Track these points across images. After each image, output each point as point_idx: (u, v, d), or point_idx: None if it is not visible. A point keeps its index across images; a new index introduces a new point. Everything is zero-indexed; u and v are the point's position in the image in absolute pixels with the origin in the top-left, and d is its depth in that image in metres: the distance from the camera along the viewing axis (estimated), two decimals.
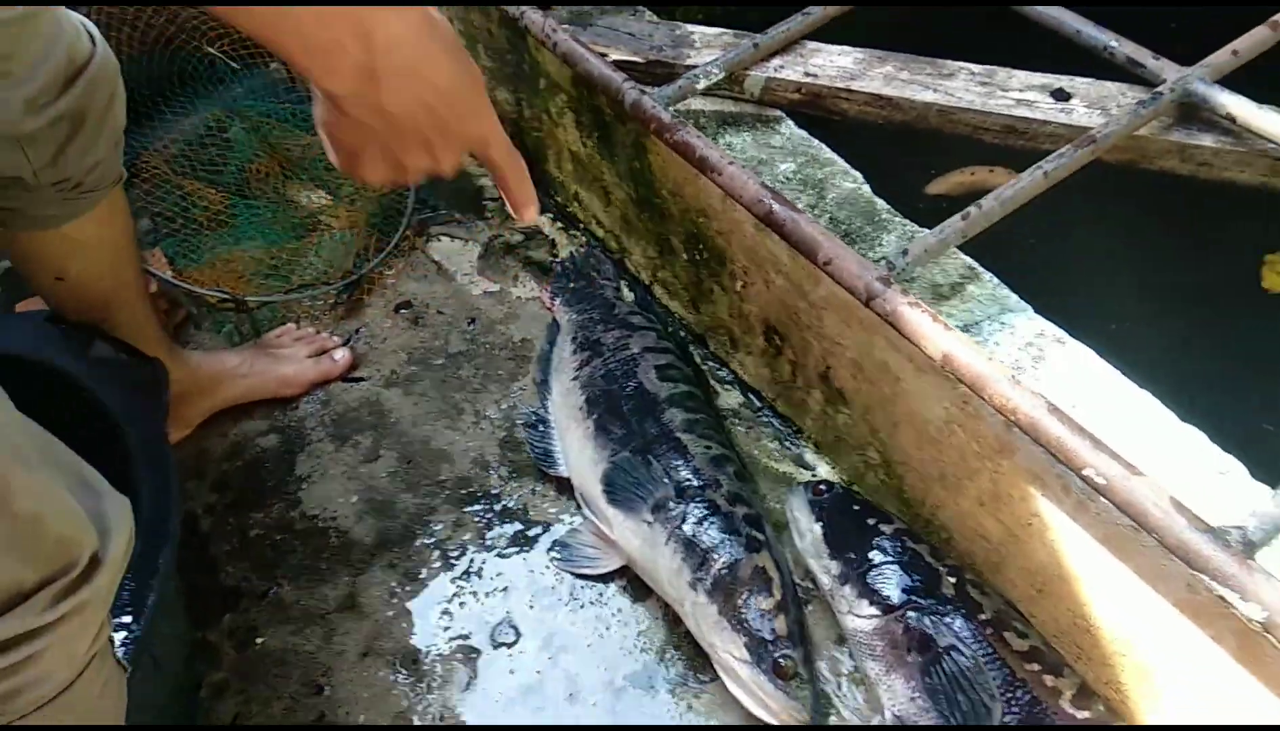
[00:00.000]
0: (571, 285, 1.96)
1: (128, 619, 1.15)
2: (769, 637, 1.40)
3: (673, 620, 1.56)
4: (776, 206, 1.31)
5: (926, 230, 1.30)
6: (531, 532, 1.69)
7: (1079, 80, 1.53)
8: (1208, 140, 1.45)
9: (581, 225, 2.08)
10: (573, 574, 1.63)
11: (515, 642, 1.57)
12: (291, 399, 1.86)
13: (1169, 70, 1.44)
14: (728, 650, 1.42)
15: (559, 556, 1.64)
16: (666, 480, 1.54)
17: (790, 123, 1.59)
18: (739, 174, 1.35)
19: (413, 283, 2.06)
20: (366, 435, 1.83)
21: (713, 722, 1.47)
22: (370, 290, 2.03)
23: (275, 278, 1.99)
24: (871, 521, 1.49)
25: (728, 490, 1.52)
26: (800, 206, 1.42)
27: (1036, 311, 1.35)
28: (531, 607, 1.61)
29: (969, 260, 1.40)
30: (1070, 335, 1.31)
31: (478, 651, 1.57)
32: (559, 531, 1.68)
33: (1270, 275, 2.17)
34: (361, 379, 1.89)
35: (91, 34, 1.27)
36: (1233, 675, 1.12)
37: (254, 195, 2.10)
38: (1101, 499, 1.13)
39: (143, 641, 1.14)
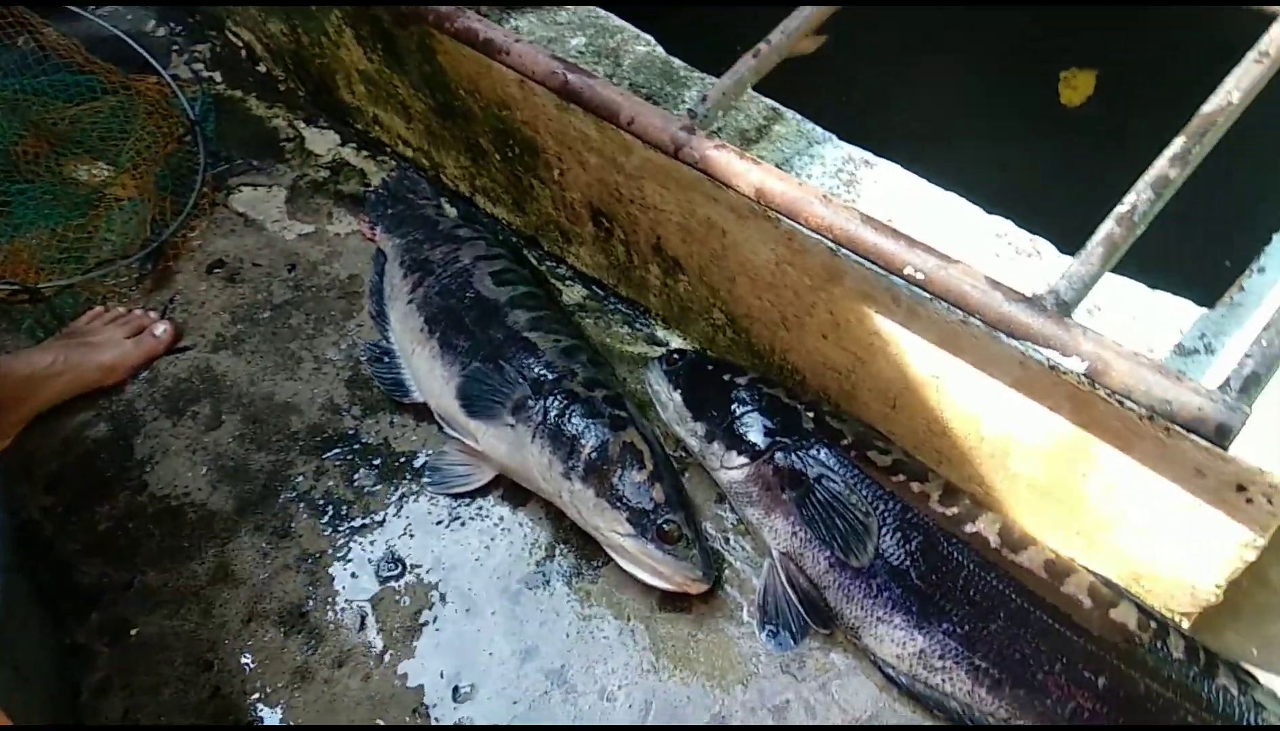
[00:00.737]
0: (390, 211, 1.88)
1: None
2: (649, 507, 1.42)
3: (556, 516, 1.56)
4: (571, 76, 1.28)
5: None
6: (397, 464, 1.65)
7: None
8: None
9: (388, 148, 2.00)
10: (449, 495, 1.60)
11: (401, 573, 1.54)
12: (117, 385, 1.74)
13: None
14: (612, 528, 1.43)
15: (431, 480, 1.61)
16: (521, 380, 1.51)
17: None
18: (527, 50, 1.31)
19: (221, 239, 1.94)
20: (203, 404, 1.73)
21: (609, 609, 1.49)
22: (176, 256, 1.90)
23: (69, 260, 1.84)
24: (726, 376, 1.51)
25: (584, 377, 1.52)
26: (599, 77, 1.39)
27: (843, 139, 1.37)
28: (412, 536, 1.57)
29: (771, 102, 1.40)
30: (878, 156, 1.34)
31: (365, 590, 1.53)
32: (426, 457, 1.65)
33: (1066, 91, 2.28)
34: (186, 348, 1.79)
35: None
36: (1075, 439, 1.19)
37: (26, 178, 1.92)
38: (930, 303, 1.18)
39: None
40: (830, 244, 1.16)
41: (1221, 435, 0.91)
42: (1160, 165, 1.07)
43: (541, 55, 1.30)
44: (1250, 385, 0.94)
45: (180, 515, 1.61)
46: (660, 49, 1.48)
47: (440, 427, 1.63)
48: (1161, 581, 1.27)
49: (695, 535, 1.44)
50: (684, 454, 1.59)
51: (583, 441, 1.45)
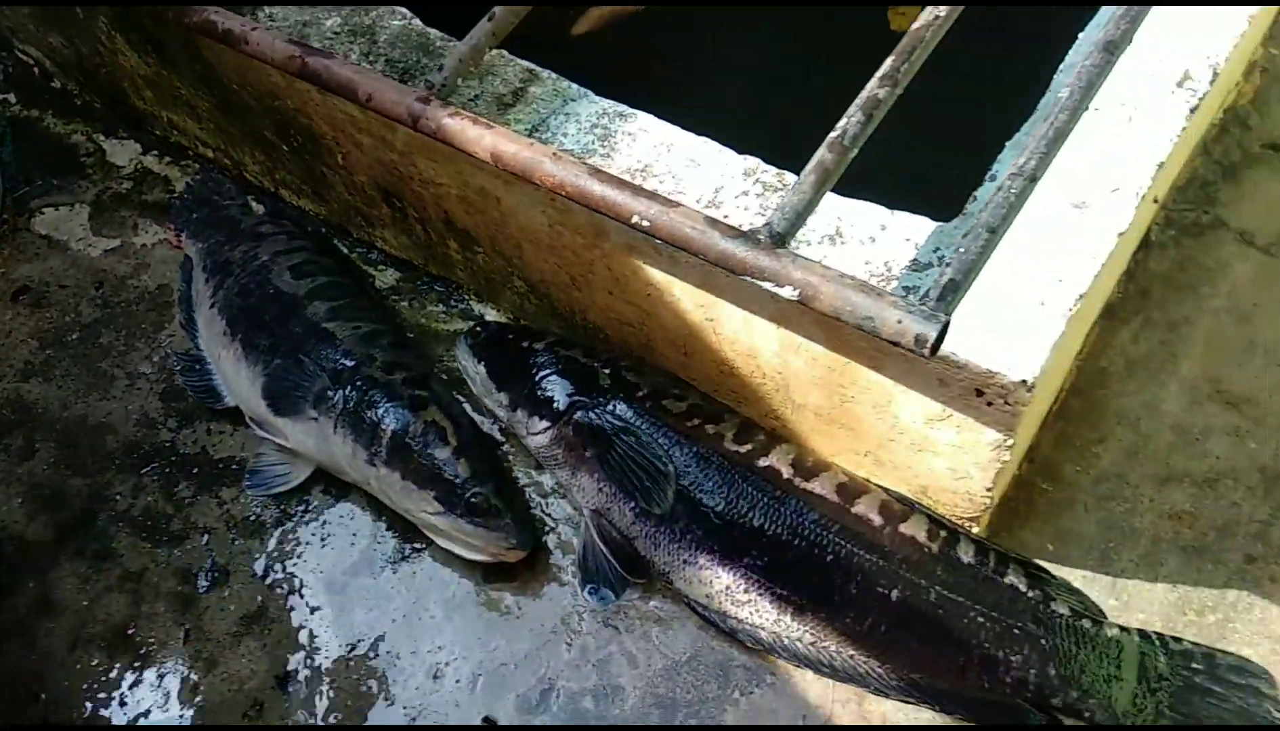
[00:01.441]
0: (194, 215, 1.84)
1: None
2: (456, 482, 1.42)
3: (377, 504, 1.55)
4: (309, 59, 1.26)
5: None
6: (217, 471, 1.63)
7: None
8: None
9: (190, 152, 1.96)
10: (270, 496, 1.58)
11: (225, 580, 1.53)
12: None
13: None
14: (421, 508, 1.43)
15: (251, 483, 1.59)
16: (320, 372, 1.50)
17: None
18: (264, 37, 1.29)
19: (25, 265, 1.89)
20: (15, 435, 1.69)
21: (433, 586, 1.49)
22: None
23: None
24: (525, 344, 1.51)
25: (383, 361, 1.51)
26: (354, 56, 1.38)
27: (599, 95, 1.37)
28: (235, 542, 1.56)
29: (527, 64, 1.40)
30: (633, 109, 1.34)
31: (191, 601, 1.51)
32: (245, 460, 1.63)
33: (895, 18, 2.31)
34: None
35: None
36: (835, 364, 1.22)
37: None
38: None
39: None
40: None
41: (920, 344, 0.94)
42: (870, 87, 1.09)
43: (279, 41, 1.28)
44: (948, 292, 0.96)
45: None
46: (417, 21, 1.46)
47: (254, 429, 1.61)
48: (943, 491, 1.31)
49: (507, 504, 1.44)
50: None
51: (383, 425, 1.44)
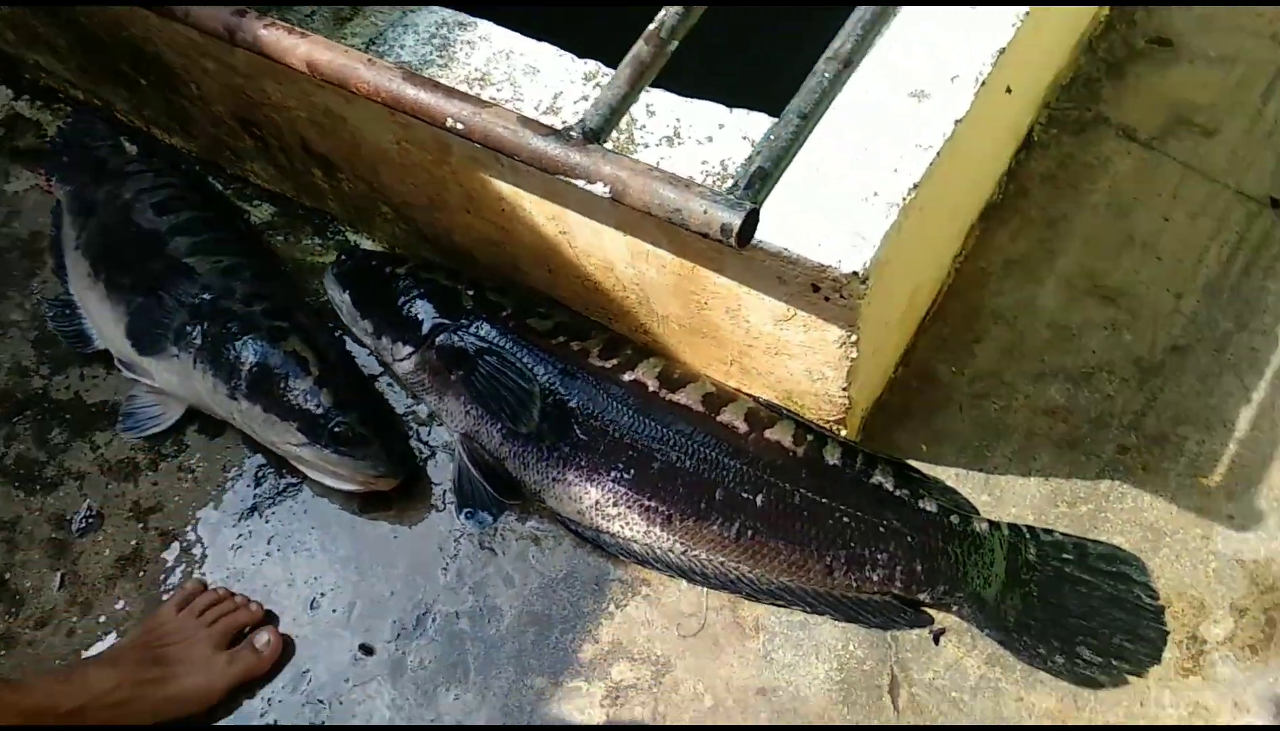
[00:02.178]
0: (65, 159, 1.79)
1: None
2: (318, 412, 1.39)
3: (251, 439, 1.52)
4: None
5: None
6: (90, 416, 1.59)
7: None
8: None
9: (61, 95, 1.89)
10: (145, 437, 1.55)
11: (100, 524, 1.50)
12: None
13: None
14: (286, 441, 1.41)
15: (125, 426, 1.56)
16: (180, 308, 1.46)
17: None
18: None
19: None
20: None
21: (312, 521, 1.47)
22: None
23: None
24: (386, 270, 1.48)
25: (243, 293, 1.47)
26: None
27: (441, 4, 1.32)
28: (109, 486, 1.53)
29: None
30: (472, 16, 1.30)
31: (64, 547, 1.49)
32: (119, 404, 1.59)
33: None
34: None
35: None
36: (683, 269, 1.19)
37: None
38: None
39: None
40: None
41: (726, 233, 0.90)
42: None
43: None
44: (756, 180, 0.93)
45: None
46: None
47: (124, 371, 1.58)
48: (805, 394, 1.29)
49: (376, 432, 1.42)
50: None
51: (242, 358, 1.41)
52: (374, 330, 1.46)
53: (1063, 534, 1.29)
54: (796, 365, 1.23)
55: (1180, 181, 1.49)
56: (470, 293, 1.43)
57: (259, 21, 1.14)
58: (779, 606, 1.31)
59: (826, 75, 0.97)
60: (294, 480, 1.50)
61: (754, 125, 1.15)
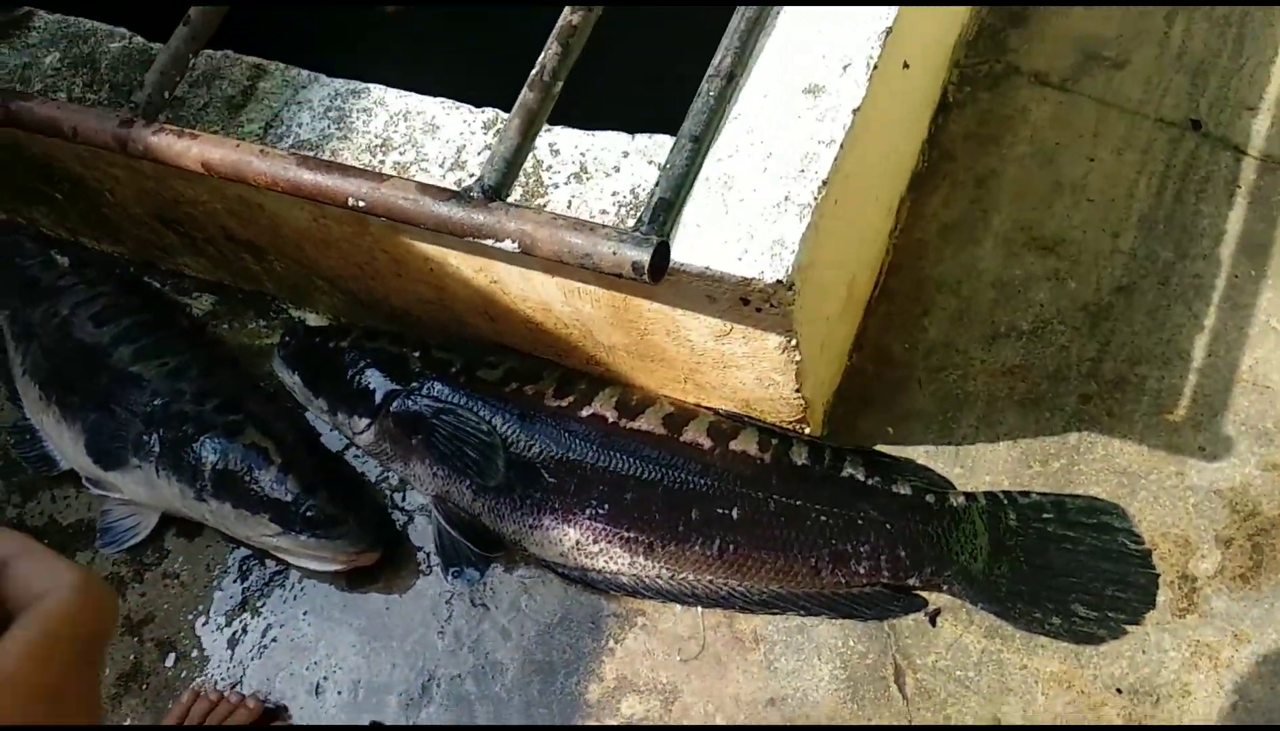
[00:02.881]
0: None
1: None
2: (288, 500, 1.39)
3: (229, 536, 1.52)
4: (10, 104, 1.19)
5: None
6: (69, 538, 1.59)
7: None
8: None
9: None
10: (125, 550, 1.55)
11: None
12: None
13: None
14: (261, 534, 1.40)
15: (104, 542, 1.55)
16: (134, 417, 1.46)
17: (42, 13, 1.44)
18: None
19: None
20: None
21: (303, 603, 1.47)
22: None
23: None
24: (331, 345, 1.47)
25: (192, 392, 1.47)
26: (77, 89, 1.31)
27: (333, 75, 1.31)
28: None
29: (253, 60, 1.33)
30: (365, 83, 1.29)
31: None
32: (94, 520, 1.59)
33: None
34: None
35: None
36: (615, 300, 1.19)
37: None
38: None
39: None
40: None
41: (639, 272, 0.90)
42: (564, 16, 1.04)
43: None
44: (660, 212, 0.93)
45: None
46: (139, 38, 1.39)
47: (92, 488, 1.57)
48: (762, 400, 1.29)
49: (348, 508, 1.41)
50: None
51: (203, 459, 1.41)
52: (329, 408, 1.46)
53: (1040, 494, 1.29)
54: (746, 375, 1.23)
55: (1099, 119, 1.48)
56: (416, 354, 1.42)
57: (147, 129, 1.13)
58: (774, 614, 1.31)
59: (712, 93, 0.96)
60: (279, 567, 1.49)
61: (658, 148, 1.14)
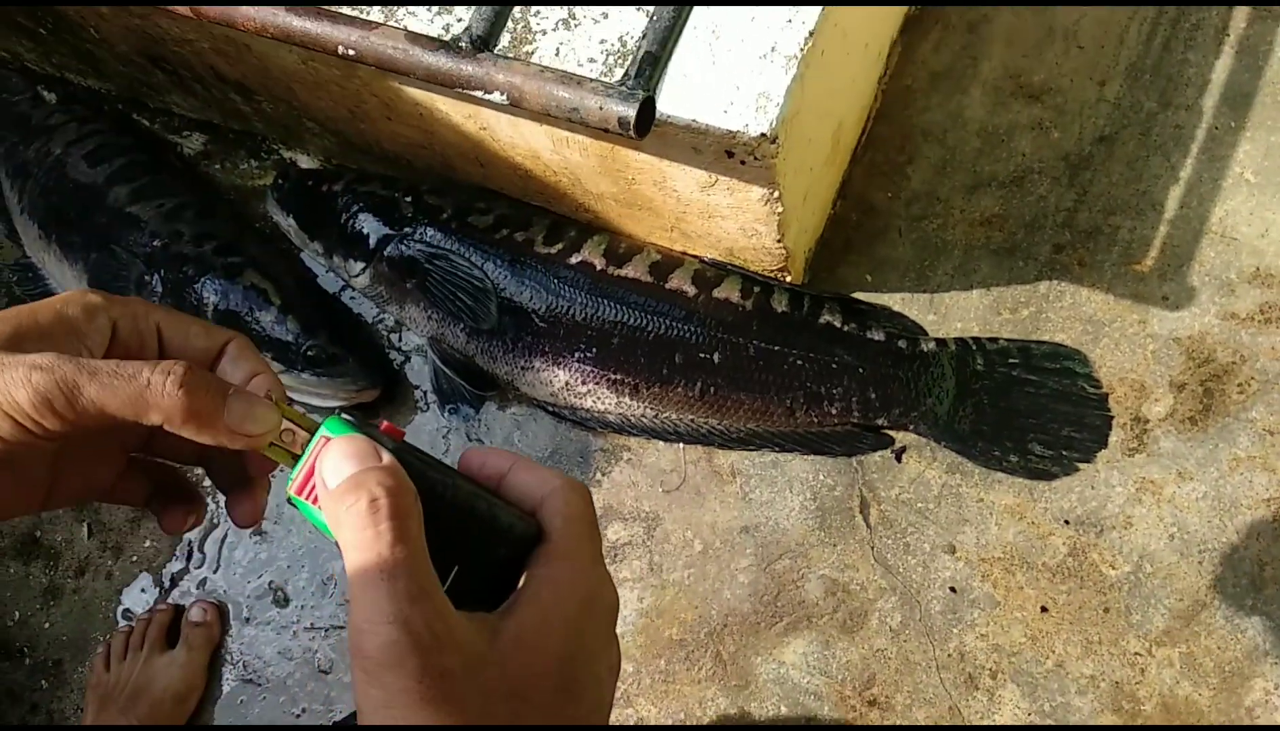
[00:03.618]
0: None
1: None
2: (289, 340, 1.44)
3: None
4: None
5: None
6: None
7: None
8: None
9: None
10: None
11: None
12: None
13: None
14: None
15: None
16: (134, 259, 1.49)
17: None
18: None
19: None
20: None
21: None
22: None
23: None
24: (324, 187, 1.49)
25: (191, 234, 1.50)
26: None
27: None
28: None
29: None
30: None
31: (93, 507, 1.58)
32: None
33: None
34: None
35: None
36: (603, 150, 1.20)
37: None
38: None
39: None
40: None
41: (624, 127, 0.92)
42: None
43: None
44: (646, 66, 0.94)
45: None
46: None
47: None
48: (745, 249, 1.33)
49: (347, 347, 1.47)
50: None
51: (205, 300, 1.45)
52: (324, 251, 1.49)
53: (1007, 340, 1.35)
54: (730, 225, 1.27)
55: None
56: (408, 199, 1.45)
57: None
58: (750, 450, 1.40)
59: None
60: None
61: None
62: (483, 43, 0.99)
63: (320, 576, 1.48)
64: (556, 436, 1.47)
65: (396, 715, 0.44)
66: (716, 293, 1.36)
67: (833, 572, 1.33)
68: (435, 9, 1.18)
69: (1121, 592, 1.25)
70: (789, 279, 1.38)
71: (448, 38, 1.01)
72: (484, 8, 0.99)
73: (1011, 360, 1.34)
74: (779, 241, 1.27)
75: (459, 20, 1.16)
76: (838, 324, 1.35)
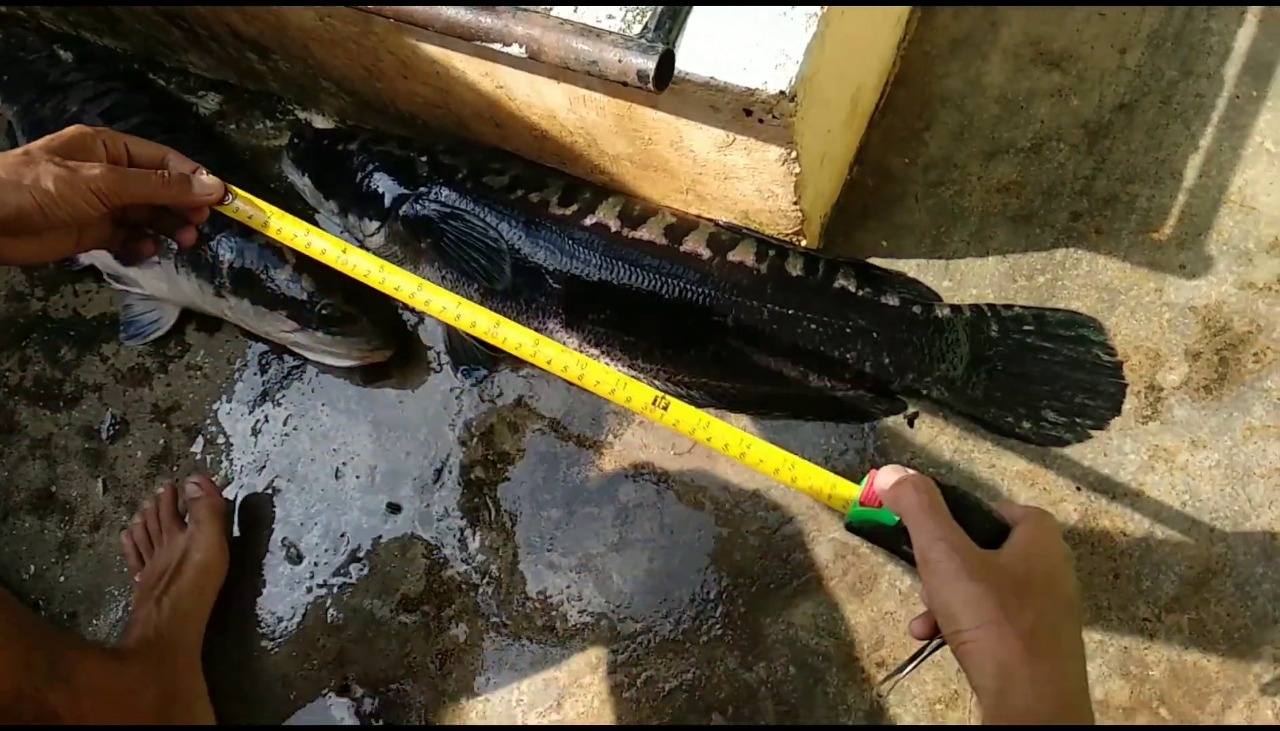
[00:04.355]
0: (6, 77, 1.77)
1: None
2: (303, 298, 1.45)
3: (248, 330, 1.59)
4: None
5: None
6: (93, 330, 1.66)
7: None
8: None
9: None
10: (149, 342, 1.63)
11: (127, 428, 1.60)
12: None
13: None
14: (278, 330, 1.47)
15: (127, 334, 1.63)
16: None
17: None
18: None
19: None
20: None
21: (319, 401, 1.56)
22: None
23: None
24: (339, 147, 1.49)
25: None
26: None
27: None
28: (126, 392, 1.62)
29: None
30: None
31: (100, 454, 1.60)
32: (116, 314, 1.66)
33: None
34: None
35: None
36: (620, 109, 1.20)
37: None
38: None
39: None
40: None
41: (643, 79, 0.92)
42: None
43: None
44: (666, 19, 0.94)
45: None
46: None
47: (113, 283, 1.63)
48: (761, 212, 1.33)
49: (362, 307, 1.48)
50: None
51: (220, 257, 1.46)
52: (339, 209, 1.50)
53: (1022, 307, 1.35)
54: (746, 186, 1.26)
55: None
56: (424, 159, 1.45)
57: None
58: (761, 415, 1.40)
59: None
60: (296, 362, 1.58)
61: None
62: None
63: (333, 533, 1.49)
64: (569, 398, 1.48)
65: (954, 588, 0.75)
66: (731, 256, 1.35)
67: (842, 536, 1.34)
68: None
69: (1132, 559, 1.25)
70: (804, 243, 1.38)
71: None
72: None
73: (1026, 327, 1.34)
74: (795, 203, 1.26)
75: None
76: (852, 289, 1.35)
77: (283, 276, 1.45)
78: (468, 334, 1.42)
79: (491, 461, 1.48)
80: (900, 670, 0.90)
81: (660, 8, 0.93)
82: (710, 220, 1.40)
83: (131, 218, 1.07)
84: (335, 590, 1.46)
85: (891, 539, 0.85)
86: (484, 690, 1.38)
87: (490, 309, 1.42)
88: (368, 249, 1.51)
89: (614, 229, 1.38)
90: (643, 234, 1.37)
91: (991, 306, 1.35)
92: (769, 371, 1.36)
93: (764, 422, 1.40)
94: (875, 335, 1.33)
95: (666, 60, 0.93)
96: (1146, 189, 1.36)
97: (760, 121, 1.11)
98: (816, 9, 1.05)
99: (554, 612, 1.40)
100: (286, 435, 1.55)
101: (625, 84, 0.94)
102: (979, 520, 0.81)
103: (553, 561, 1.42)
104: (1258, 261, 1.30)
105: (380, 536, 1.47)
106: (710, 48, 1.07)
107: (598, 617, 1.38)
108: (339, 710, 1.40)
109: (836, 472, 0.88)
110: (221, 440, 1.57)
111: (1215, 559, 1.22)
